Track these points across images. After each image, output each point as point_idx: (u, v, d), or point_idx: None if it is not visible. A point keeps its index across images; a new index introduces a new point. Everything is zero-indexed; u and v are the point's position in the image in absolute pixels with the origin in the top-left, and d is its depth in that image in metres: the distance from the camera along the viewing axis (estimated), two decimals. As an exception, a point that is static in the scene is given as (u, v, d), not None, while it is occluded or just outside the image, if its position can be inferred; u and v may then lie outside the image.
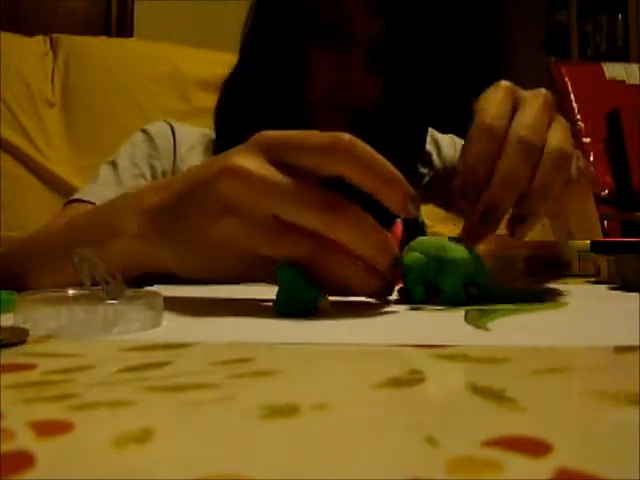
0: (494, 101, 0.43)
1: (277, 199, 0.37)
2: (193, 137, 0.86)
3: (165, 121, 0.89)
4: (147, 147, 0.84)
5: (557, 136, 0.43)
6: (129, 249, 0.44)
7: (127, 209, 0.45)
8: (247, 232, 0.38)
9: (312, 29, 0.75)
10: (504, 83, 0.45)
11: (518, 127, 0.42)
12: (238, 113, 0.81)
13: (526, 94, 0.45)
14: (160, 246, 0.43)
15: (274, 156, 0.38)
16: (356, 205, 0.38)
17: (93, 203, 0.74)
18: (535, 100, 0.44)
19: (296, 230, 0.37)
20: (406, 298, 0.43)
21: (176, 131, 0.86)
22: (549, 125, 0.43)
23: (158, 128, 0.87)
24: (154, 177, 0.82)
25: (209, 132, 0.88)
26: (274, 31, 0.78)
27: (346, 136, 0.37)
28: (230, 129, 0.82)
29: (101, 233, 0.46)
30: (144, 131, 0.87)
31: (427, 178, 0.95)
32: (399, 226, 0.47)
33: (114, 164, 0.84)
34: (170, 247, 0.43)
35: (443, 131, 1.00)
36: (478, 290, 0.44)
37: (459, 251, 0.42)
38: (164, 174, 0.83)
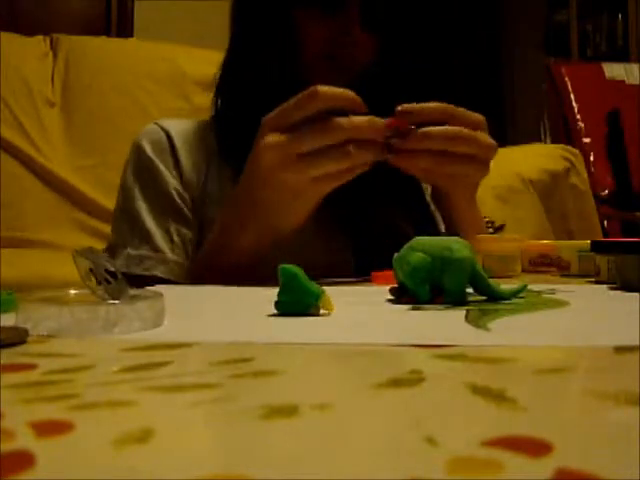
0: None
1: (297, 142, 0.56)
2: (186, 130, 0.82)
3: (157, 125, 0.82)
4: (154, 176, 0.78)
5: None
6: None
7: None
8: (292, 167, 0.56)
9: None
10: None
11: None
12: (241, 87, 0.78)
13: None
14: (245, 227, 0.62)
15: (278, 126, 0.58)
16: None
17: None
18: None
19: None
20: (410, 298, 0.43)
21: (171, 134, 0.81)
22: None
23: (154, 142, 0.80)
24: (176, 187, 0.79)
25: (200, 120, 0.85)
26: (263, 1, 0.76)
27: (314, 87, 0.57)
28: (235, 103, 0.79)
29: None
30: (141, 158, 0.80)
31: None
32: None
33: (152, 208, 0.77)
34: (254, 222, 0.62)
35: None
36: (477, 290, 0.44)
37: (463, 251, 0.42)
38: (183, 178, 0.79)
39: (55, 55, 1.42)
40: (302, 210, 0.61)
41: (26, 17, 2.43)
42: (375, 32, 0.75)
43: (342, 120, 0.56)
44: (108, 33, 2.54)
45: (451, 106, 0.60)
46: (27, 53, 1.40)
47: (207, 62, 1.25)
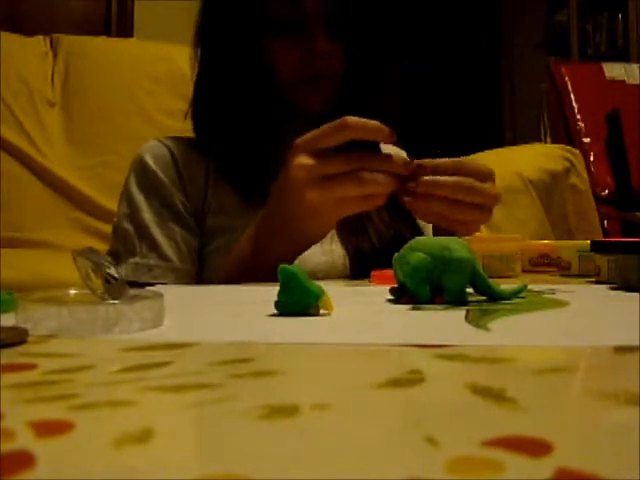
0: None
1: (324, 165, 0.61)
2: (185, 147, 0.84)
3: (159, 142, 0.84)
4: (158, 188, 0.80)
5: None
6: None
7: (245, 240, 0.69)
8: (320, 190, 0.61)
9: (265, 20, 0.77)
10: None
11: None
12: (217, 112, 0.81)
13: None
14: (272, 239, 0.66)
15: (309, 148, 0.62)
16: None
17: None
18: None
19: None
20: (410, 298, 0.43)
21: (173, 150, 0.82)
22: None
23: (157, 157, 0.81)
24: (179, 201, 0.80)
25: (190, 135, 0.87)
26: (228, 29, 0.79)
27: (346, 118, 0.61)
28: (211, 126, 0.82)
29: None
30: (145, 172, 0.81)
31: None
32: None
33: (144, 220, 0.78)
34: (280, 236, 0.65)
35: (444, 127, 1.00)
36: (477, 290, 0.44)
37: (463, 251, 0.42)
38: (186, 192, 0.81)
39: (55, 55, 1.42)
40: (323, 225, 0.65)
41: (26, 17, 2.43)
42: (343, 42, 0.78)
43: (364, 154, 0.61)
44: (108, 33, 2.53)
45: (461, 160, 0.65)
46: (27, 53, 1.40)
47: (207, 62, 1.24)
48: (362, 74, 0.82)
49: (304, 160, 0.62)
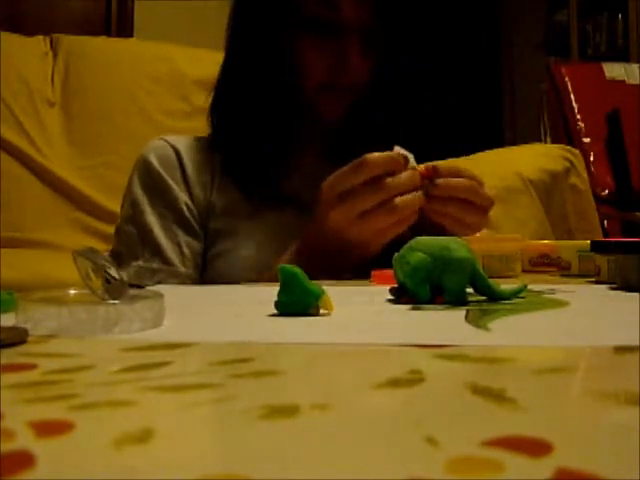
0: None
1: (357, 204, 0.64)
2: (191, 147, 0.83)
3: (165, 141, 0.82)
4: (163, 190, 0.79)
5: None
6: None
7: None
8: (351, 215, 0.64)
9: (301, 20, 0.76)
10: None
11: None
12: (237, 109, 0.80)
13: None
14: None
15: (337, 191, 0.65)
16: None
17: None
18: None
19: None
20: (410, 298, 0.43)
21: (179, 150, 0.81)
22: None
23: (162, 157, 0.80)
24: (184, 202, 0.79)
25: (199, 135, 0.86)
26: (262, 25, 0.78)
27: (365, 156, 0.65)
28: (231, 125, 0.82)
29: None
30: (149, 172, 0.80)
31: None
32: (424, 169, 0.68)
33: (148, 224, 0.77)
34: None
35: (444, 126, 1.01)
36: (477, 290, 0.44)
37: (463, 251, 0.42)
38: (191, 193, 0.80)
39: (55, 55, 1.42)
40: (368, 254, 0.68)
41: (26, 17, 2.43)
42: (374, 59, 0.78)
43: (389, 180, 0.64)
44: (108, 33, 2.53)
45: (458, 166, 0.69)
46: (27, 53, 1.40)
47: (207, 62, 1.25)
48: (386, 90, 0.81)
49: (336, 205, 0.65)
